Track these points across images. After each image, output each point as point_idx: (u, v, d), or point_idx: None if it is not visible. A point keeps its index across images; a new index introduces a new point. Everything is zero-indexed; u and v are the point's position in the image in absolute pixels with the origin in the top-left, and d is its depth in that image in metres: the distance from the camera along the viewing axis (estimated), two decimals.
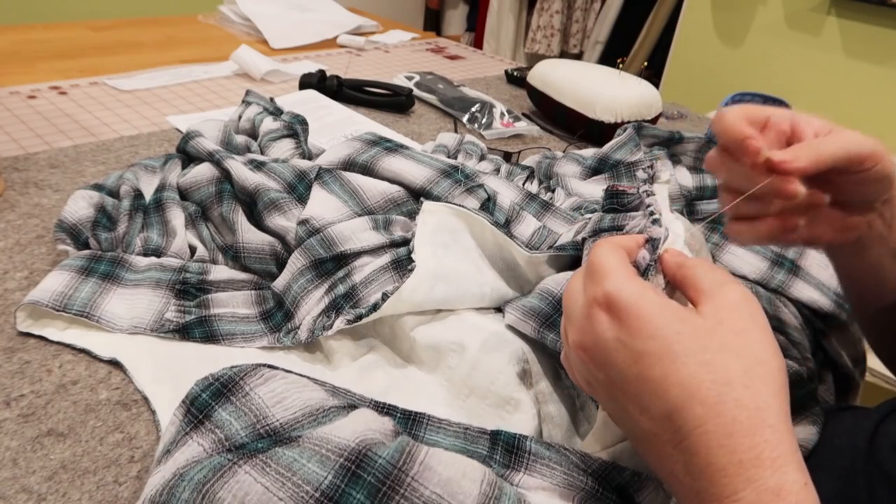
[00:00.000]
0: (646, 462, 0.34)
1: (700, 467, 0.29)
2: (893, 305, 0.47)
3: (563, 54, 3.04)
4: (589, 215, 0.61)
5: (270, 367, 0.38)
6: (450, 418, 0.41)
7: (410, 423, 0.40)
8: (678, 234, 0.39)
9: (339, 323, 0.47)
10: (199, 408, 0.36)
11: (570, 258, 0.52)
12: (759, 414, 0.29)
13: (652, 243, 0.38)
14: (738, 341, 0.31)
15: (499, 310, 0.51)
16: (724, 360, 0.30)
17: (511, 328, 0.48)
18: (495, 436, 0.39)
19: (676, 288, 0.36)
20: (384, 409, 0.41)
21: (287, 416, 0.35)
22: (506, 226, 0.57)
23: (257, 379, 0.37)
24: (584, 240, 0.50)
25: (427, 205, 0.52)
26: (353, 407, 0.37)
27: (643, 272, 0.36)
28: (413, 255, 0.49)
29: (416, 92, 1.06)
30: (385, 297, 0.46)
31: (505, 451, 0.38)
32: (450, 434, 0.39)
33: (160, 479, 0.32)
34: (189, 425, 0.35)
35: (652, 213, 0.40)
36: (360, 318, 0.47)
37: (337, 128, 0.89)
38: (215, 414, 0.35)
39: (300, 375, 0.38)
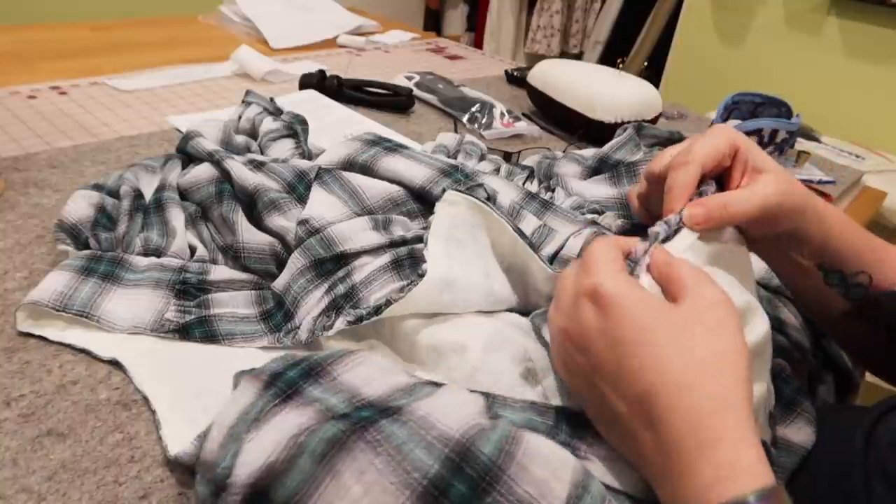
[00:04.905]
0: (611, 443, 0.37)
1: (667, 446, 0.32)
2: (837, 319, 0.50)
3: (563, 54, 3.04)
4: (591, 215, 0.61)
5: (355, 352, 0.39)
6: None
7: None
8: (683, 247, 0.40)
9: (340, 323, 0.47)
10: (288, 383, 0.36)
11: None
12: (722, 400, 0.32)
13: (650, 238, 0.40)
14: (708, 338, 0.34)
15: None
16: (695, 351, 0.33)
17: (513, 328, 0.48)
18: (559, 410, 0.40)
19: (660, 283, 0.38)
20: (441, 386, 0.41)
21: (378, 392, 0.37)
22: None
23: (344, 366, 0.38)
24: None
25: (449, 194, 0.51)
26: (436, 384, 0.39)
27: (635, 263, 0.39)
28: (426, 253, 0.48)
29: (416, 92, 1.06)
30: (389, 302, 0.46)
31: (569, 423, 0.39)
32: (517, 409, 0.40)
33: (272, 444, 0.33)
34: (277, 398, 0.36)
35: (667, 224, 0.42)
36: (360, 319, 0.47)
37: (337, 128, 0.89)
38: (306, 391, 0.36)
39: (384, 362, 0.39)
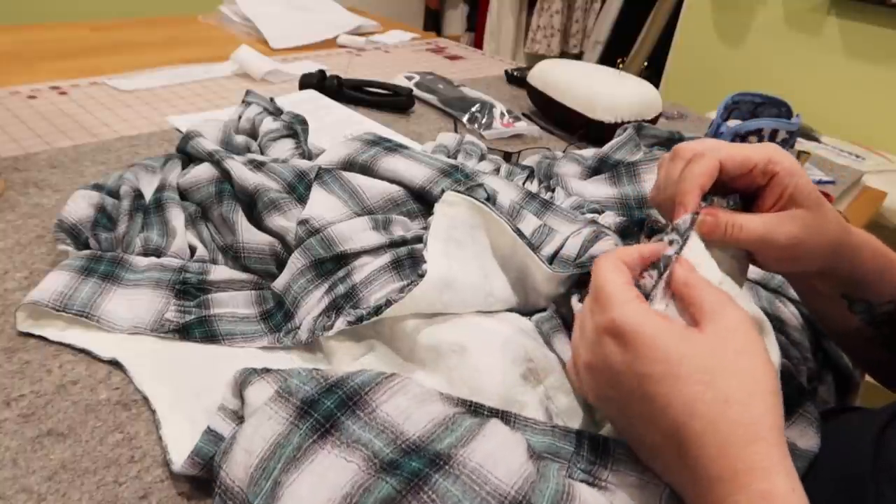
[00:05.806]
0: (652, 469, 0.36)
1: (700, 475, 0.32)
2: (846, 332, 0.50)
3: (563, 54, 3.04)
4: (591, 215, 0.61)
5: (390, 377, 0.38)
6: None
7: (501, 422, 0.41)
8: (699, 263, 0.39)
9: (340, 323, 0.47)
10: (325, 415, 0.35)
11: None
12: (753, 429, 0.32)
13: (662, 261, 0.38)
14: (736, 362, 0.33)
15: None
16: (724, 379, 0.32)
17: (513, 328, 0.48)
18: (580, 434, 0.40)
19: (680, 305, 0.37)
20: (471, 407, 0.40)
21: (419, 429, 0.36)
22: None
23: (381, 395, 0.37)
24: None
25: (448, 194, 0.51)
26: (471, 411, 0.38)
27: (648, 293, 0.38)
28: (425, 254, 0.48)
29: (416, 92, 1.06)
30: (389, 302, 0.46)
31: (591, 448, 0.39)
32: (537, 432, 0.40)
33: (316, 496, 0.32)
34: (314, 432, 0.35)
35: (674, 232, 0.40)
36: (360, 319, 0.47)
37: (337, 128, 0.89)
38: (345, 426, 0.35)
39: (418, 386, 0.39)
